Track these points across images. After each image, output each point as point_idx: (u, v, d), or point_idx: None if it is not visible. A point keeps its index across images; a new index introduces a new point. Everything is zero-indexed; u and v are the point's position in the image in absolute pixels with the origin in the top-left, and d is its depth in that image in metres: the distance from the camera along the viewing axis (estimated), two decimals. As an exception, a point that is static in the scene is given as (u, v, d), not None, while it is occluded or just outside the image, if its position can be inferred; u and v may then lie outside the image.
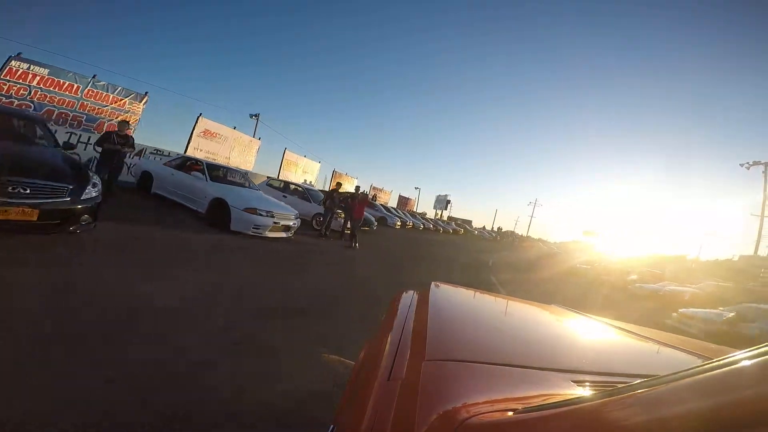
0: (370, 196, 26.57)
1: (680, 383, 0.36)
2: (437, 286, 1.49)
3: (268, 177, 14.48)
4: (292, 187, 12.79)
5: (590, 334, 1.37)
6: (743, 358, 0.34)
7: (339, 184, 10.72)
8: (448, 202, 44.95)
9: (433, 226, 31.92)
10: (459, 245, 22.18)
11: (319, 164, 22.59)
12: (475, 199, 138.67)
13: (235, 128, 15.61)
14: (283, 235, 7.95)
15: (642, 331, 1.39)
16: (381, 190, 32.14)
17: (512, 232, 61.50)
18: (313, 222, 11.01)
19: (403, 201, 37.84)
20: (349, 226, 10.26)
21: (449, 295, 1.55)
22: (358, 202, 9.99)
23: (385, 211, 21.98)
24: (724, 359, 0.35)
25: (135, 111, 11.15)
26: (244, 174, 9.76)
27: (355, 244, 9.44)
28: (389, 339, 0.95)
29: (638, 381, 0.43)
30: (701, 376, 0.35)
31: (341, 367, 2.73)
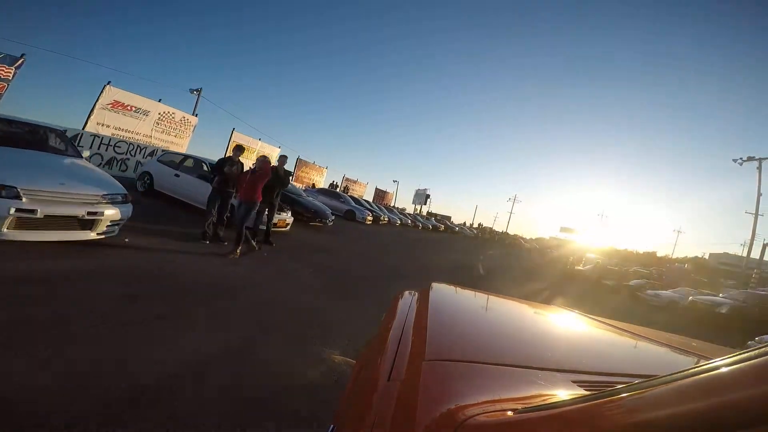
0: (341, 188, 25.30)
1: (680, 383, 0.36)
2: (437, 286, 1.49)
3: (163, 150, 11.17)
4: (194, 162, 8.39)
5: (590, 334, 1.37)
6: (742, 358, 0.34)
7: (239, 149, 6.47)
8: (428, 196, 41.62)
9: (412, 221, 29.24)
10: (439, 244, 19.08)
11: (279, 149, 19.08)
12: (454, 195, 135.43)
13: (160, 101, 12.55)
14: (79, 235, 4.01)
15: (642, 331, 1.39)
16: (355, 182, 29.96)
17: (491, 229, 57.97)
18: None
19: (380, 194, 35.10)
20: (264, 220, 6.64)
21: (449, 295, 1.55)
22: (250, 175, 5.83)
23: (354, 204, 19.13)
24: (723, 359, 0.35)
25: (4, 75, 9.50)
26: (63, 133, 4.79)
27: (255, 247, 5.85)
28: (389, 339, 0.95)
29: (638, 381, 0.43)
30: (701, 376, 0.35)
31: (346, 367, 2.72)
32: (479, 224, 59.31)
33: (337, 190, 23.63)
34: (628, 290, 17.21)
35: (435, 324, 1.01)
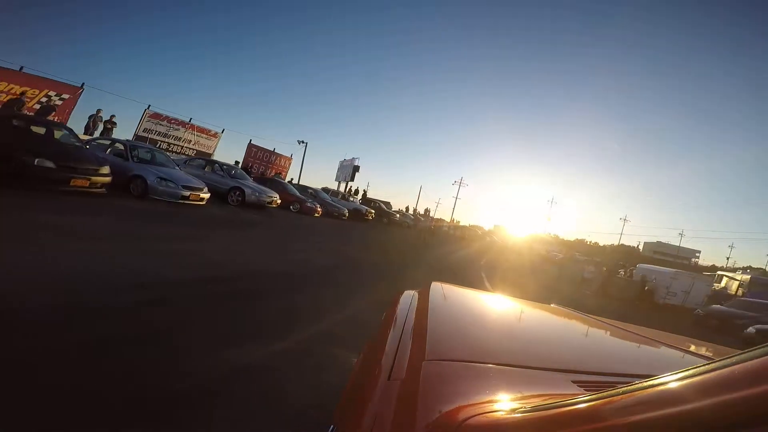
0: (99, 120, 13.01)
1: (680, 383, 0.36)
2: (437, 285, 1.49)
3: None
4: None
5: (590, 334, 1.37)
6: (743, 358, 0.34)
7: None
8: (356, 168, 29.24)
9: (297, 203, 15.71)
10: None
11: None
12: (396, 178, 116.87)
13: None
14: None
15: (642, 331, 1.40)
16: (174, 122, 16.40)
17: (428, 216, 40.15)
18: None
19: (263, 157, 22.42)
20: None
21: (449, 295, 1.55)
22: None
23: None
24: (724, 359, 0.35)
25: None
26: None
27: None
28: (389, 339, 0.95)
29: (638, 381, 0.43)
30: (701, 376, 0.35)
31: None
32: (426, 210, 42.79)
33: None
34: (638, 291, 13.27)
35: (435, 324, 1.01)
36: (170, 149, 15.63)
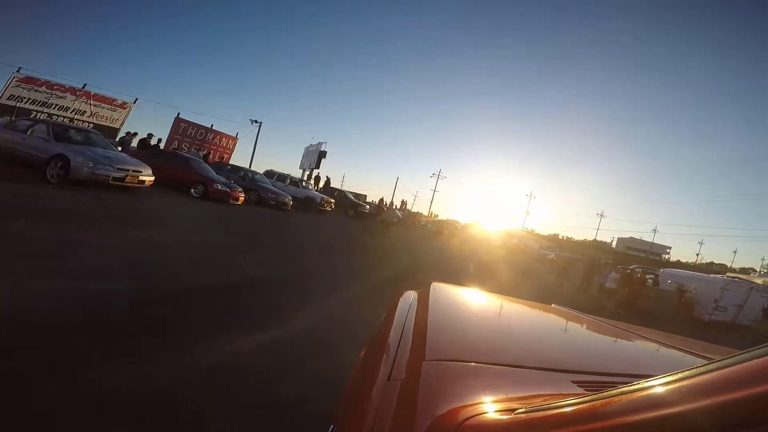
0: None
1: (680, 383, 0.36)
2: (437, 285, 1.49)
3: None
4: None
5: (590, 334, 1.37)
6: (743, 358, 0.34)
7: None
8: (322, 154, 25.27)
9: (200, 185, 11.44)
10: None
11: None
12: (374, 173, 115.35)
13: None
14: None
15: (642, 332, 1.40)
16: (68, 91, 13.65)
17: (404, 208, 36.37)
18: None
19: (195, 133, 18.84)
20: None
21: (449, 295, 1.55)
22: None
23: None
24: (724, 359, 0.35)
25: None
26: None
27: None
28: (389, 339, 0.95)
29: (638, 381, 0.43)
30: (701, 376, 0.35)
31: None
32: (402, 202, 37.54)
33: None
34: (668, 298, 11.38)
35: (435, 324, 1.01)
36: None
